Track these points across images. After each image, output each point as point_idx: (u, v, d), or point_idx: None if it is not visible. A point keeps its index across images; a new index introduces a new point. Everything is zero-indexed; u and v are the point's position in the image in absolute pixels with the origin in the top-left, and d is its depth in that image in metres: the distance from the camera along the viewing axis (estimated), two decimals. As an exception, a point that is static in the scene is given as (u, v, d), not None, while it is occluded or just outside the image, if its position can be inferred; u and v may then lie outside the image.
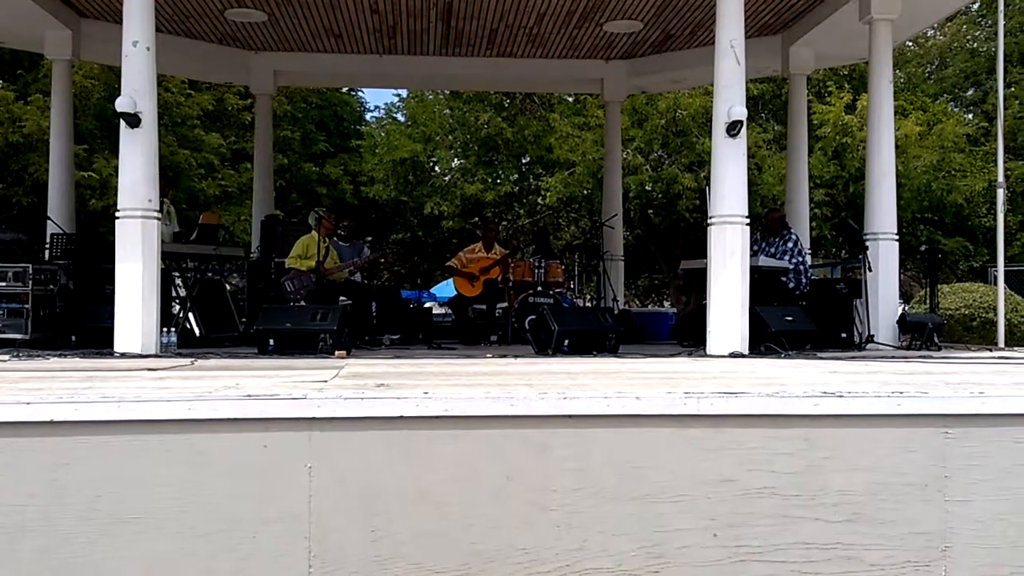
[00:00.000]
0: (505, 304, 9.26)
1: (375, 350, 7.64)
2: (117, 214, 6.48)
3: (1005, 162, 9.42)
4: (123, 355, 6.18)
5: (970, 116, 21.93)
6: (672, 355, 6.79)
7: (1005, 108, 11.12)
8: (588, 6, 9.58)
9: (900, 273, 9.20)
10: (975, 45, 22.96)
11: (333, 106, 21.98)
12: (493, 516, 3.17)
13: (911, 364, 5.71)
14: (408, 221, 23.06)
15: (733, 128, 6.71)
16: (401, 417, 3.18)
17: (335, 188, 20.61)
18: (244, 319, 9.27)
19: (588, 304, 14.88)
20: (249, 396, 3.19)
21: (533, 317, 7.61)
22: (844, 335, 7.91)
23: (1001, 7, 9.56)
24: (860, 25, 8.39)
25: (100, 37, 9.56)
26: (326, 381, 3.91)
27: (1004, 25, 10.05)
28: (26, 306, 7.11)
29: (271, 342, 6.71)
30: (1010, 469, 3.33)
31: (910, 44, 21.71)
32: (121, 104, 6.39)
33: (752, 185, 10.47)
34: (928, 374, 4.71)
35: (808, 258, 9.00)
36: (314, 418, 3.14)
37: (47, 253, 8.14)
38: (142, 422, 3.09)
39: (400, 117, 23.81)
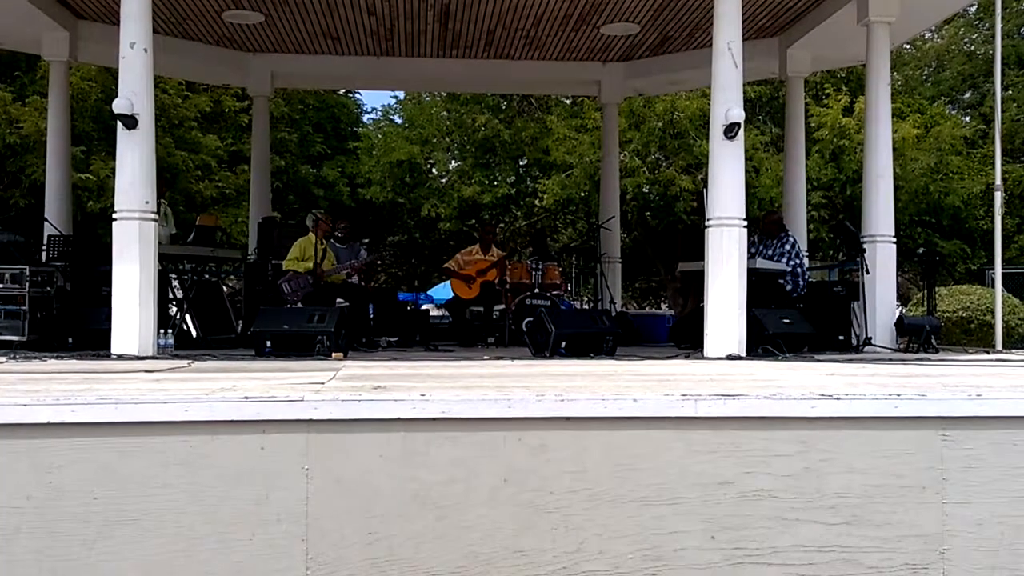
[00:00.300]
0: (502, 306, 9.27)
1: (372, 352, 7.64)
2: (114, 216, 6.48)
3: (1003, 165, 9.43)
4: (120, 357, 6.17)
5: (967, 119, 21.92)
6: (669, 357, 6.80)
7: (1003, 111, 11.15)
8: (585, 9, 9.58)
9: (898, 275, 9.20)
10: (972, 48, 22.96)
11: (330, 108, 21.93)
12: (490, 518, 3.16)
13: (909, 366, 5.70)
14: (405, 223, 23.04)
15: (731, 130, 6.72)
16: (398, 419, 3.17)
17: (332, 190, 20.56)
18: (241, 321, 9.28)
19: (585, 306, 14.89)
20: (246, 398, 3.18)
21: (530, 319, 7.62)
22: (842, 337, 7.91)
23: (999, 10, 9.56)
24: (858, 27, 8.39)
25: (97, 39, 9.55)
26: (323, 383, 3.90)
27: (1002, 28, 10.06)
28: (23, 308, 7.12)
29: (268, 344, 6.71)
30: (1008, 471, 3.33)
31: (907, 47, 21.69)
32: (118, 106, 6.38)
33: (750, 187, 10.45)
34: (926, 376, 4.71)
35: (806, 260, 9.01)
36: (311, 420, 3.13)
37: (44, 255, 8.14)
38: (139, 424, 3.08)
39: (397, 119, 23.81)
